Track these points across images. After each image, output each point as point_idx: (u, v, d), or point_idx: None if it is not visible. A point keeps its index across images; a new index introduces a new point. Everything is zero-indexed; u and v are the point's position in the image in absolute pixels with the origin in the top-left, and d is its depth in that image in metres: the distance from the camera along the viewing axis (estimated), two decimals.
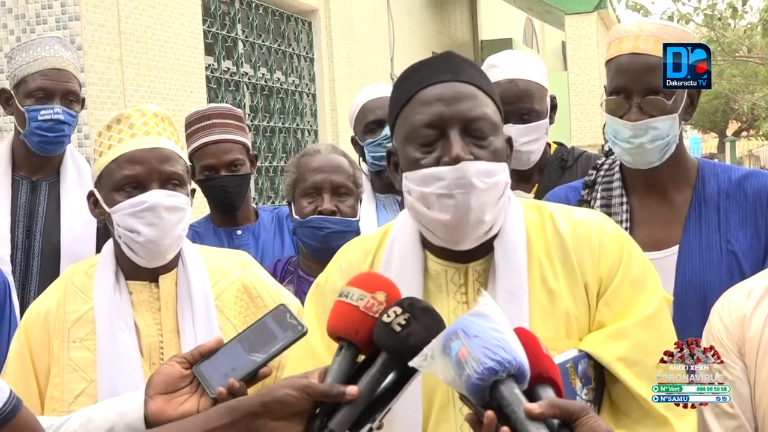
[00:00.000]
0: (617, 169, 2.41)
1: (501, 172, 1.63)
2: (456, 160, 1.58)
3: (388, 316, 1.40)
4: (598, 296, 1.66)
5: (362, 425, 1.38)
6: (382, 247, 1.77)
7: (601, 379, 1.63)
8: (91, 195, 2.08)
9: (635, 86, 2.22)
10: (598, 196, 2.39)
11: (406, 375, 1.40)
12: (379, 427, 1.40)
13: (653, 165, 2.28)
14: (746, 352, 1.83)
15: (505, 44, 12.69)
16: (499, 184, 1.63)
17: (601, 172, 2.45)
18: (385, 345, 1.39)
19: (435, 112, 1.61)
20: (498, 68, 2.95)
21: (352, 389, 1.37)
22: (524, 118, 2.88)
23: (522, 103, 2.87)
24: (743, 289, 1.91)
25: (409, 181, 1.64)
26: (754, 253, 2.22)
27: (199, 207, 2.32)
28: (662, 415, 1.57)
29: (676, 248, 2.26)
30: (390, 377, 1.40)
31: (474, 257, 1.69)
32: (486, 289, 1.65)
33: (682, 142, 2.36)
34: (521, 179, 2.95)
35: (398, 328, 1.38)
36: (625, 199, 2.35)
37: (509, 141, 1.72)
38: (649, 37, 2.23)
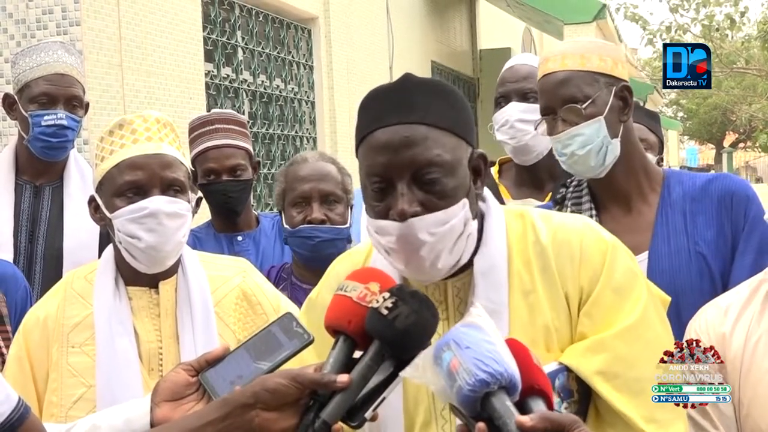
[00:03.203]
0: (585, 184, 2.46)
1: (456, 214, 1.58)
2: (401, 216, 1.55)
3: (377, 301, 1.40)
4: (579, 306, 1.63)
5: (356, 416, 1.38)
6: (369, 259, 1.77)
7: (586, 392, 1.60)
8: (92, 200, 2.08)
9: (553, 103, 2.35)
10: (569, 211, 2.43)
11: (399, 363, 1.39)
12: (373, 419, 1.39)
13: (598, 171, 2.33)
14: (728, 371, 1.81)
15: (504, 53, 12.69)
16: (454, 228, 1.59)
17: (570, 189, 2.50)
18: (374, 330, 1.39)
19: (381, 163, 1.57)
20: (510, 61, 3.13)
21: (343, 377, 1.37)
22: (526, 98, 2.95)
23: (525, 83, 2.95)
24: (719, 306, 1.90)
25: (369, 225, 1.64)
26: (721, 253, 2.27)
27: (199, 213, 2.32)
28: (641, 429, 1.55)
29: (645, 255, 2.29)
30: (384, 367, 1.40)
31: (453, 273, 1.67)
32: (465, 306, 1.64)
33: (639, 150, 2.42)
34: (534, 186, 3.01)
35: (385, 312, 1.38)
36: (594, 212, 2.39)
37: (482, 157, 1.67)
38: (556, 56, 2.36)
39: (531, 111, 2.88)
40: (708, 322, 1.88)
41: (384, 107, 1.60)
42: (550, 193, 2.99)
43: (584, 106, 2.29)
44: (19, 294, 2.46)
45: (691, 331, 1.90)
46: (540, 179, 3.00)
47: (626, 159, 2.35)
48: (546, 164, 2.98)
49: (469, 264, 1.66)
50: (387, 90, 1.64)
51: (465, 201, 1.60)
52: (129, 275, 2.05)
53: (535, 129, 2.46)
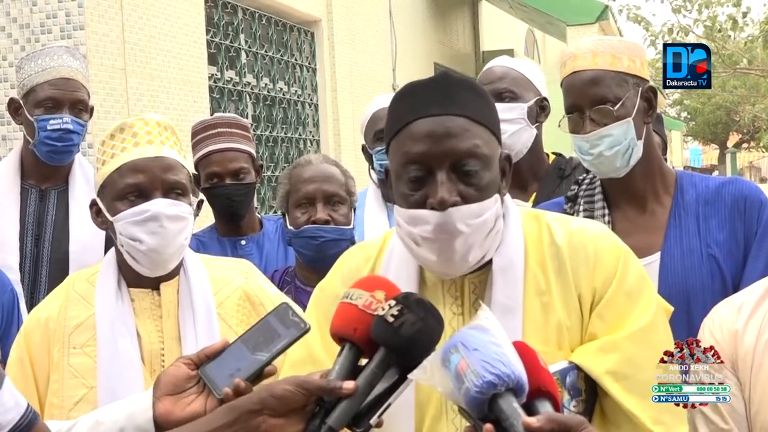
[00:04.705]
0: (598, 182, 2.47)
1: (490, 208, 1.62)
2: (441, 204, 1.56)
3: (383, 309, 1.41)
4: (591, 307, 1.65)
5: (361, 422, 1.39)
6: (383, 253, 1.78)
7: (592, 391, 1.62)
8: (93, 204, 2.09)
9: (582, 101, 2.34)
10: (581, 209, 2.44)
11: (405, 371, 1.40)
12: (378, 425, 1.40)
13: (621, 171, 2.35)
14: (739, 368, 1.83)
15: (506, 55, 12.68)
16: (487, 222, 1.61)
17: (583, 186, 2.51)
18: (380, 337, 1.40)
19: (422, 150, 1.58)
20: (488, 65, 3.14)
21: (348, 384, 1.38)
22: (501, 97, 2.93)
23: (499, 83, 2.96)
24: (733, 303, 1.92)
25: (399, 216, 1.65)
26: (733, 257, 2.29)
27: (202, 216, 2.34)
28: (650, 430, 1.57)
29: (657, 255, 2.31)
30: (389, 374, 1.41)
31: (472, 270, 1.69)
32: (481, 302, 1.65)
33: (657, 152, 2.43)
34: (519, 188, 2.98)
35: (391, 319, 1.39)
36: (606, 211, 2.40)
37: (508, 159, 1.70)
38: (586, 54, 2.35)
39: (506, 110, 2.89)
40: (722, 319, 1.90)
41: (424, 99, 1.62)
42: (535, 193, 3.00)
43: (616, 107, 2.29)
44: (6, 297, 2.47)
45: (705, 327, 1.92)
46: (523, 179, 2.99)
47: (646, 160, 2.36)
48: (528, 163, 2.98)
49: (488, 262, 1.68)
50: (425, 84, 1.66)
51: (497, 197, 1.64)
52: (131, 277, 2.07)
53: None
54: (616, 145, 2.30)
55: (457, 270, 1.65)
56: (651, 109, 2.36)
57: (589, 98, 2.32)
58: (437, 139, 1.58)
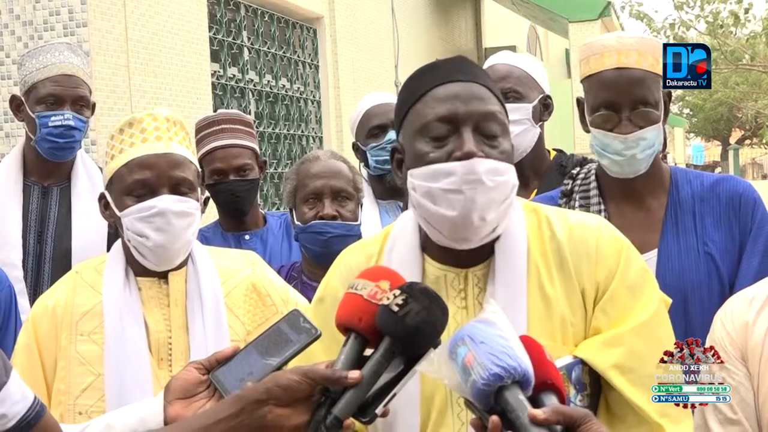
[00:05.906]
0: (593, 177, 2.45)
1: (509, 172, 1.64)
2: (468, 156, 1.58)
3: (388, 299, 1.41)
4: (595, 302, 1.65)
5: (367, 412, 1.39)
6: (383, 251, 1.77)
7: (597, 385, 1.63)
8: (102, 197, 2.10)
9: (624, 100, 2.26)
10: (577, 204, 2.42)
11: (410, 360, 1.40)
12: (384, 414, 1.40)
13: (640, 172, 2.33)
14: (749, 359, 1.85)
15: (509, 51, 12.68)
16: (507, 184, 1.63)
17: (578, 181, 2.49)
18: (385, 326, 1.40)
19: (450, 108, 1.62)
20: (490, 60, 3.09)
21: (354, 373, 1.38)
22: (506, 97, 2.86)
23: (504, 83, 2.91)
24: (745, 296, 1.93)
25: (415, 177, 1.64)
26: (729, 254, 2.28)
27: (207, 212, 2.35)
28: (656, 422, 1.57)
29: (654, 252, 2.30)
30: (394, 364, 1.41)
31: (474, 262, 1.68)
32: (485, 295, 1.65)
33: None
34: (520, 184, 2.97)
35: (395, 308, 1.39)
36: (602, 207, 2.38)
37: (511, 146, 1.71)
38: (631, 51, 2.29)
39: (511, 111, 2.85)
40: (733, 311, 1.90)
41: (448, 70, 1.69)
42: (535, 190, 2.98)
43: (659, 111, 2.27)
44: (3, 293, 2.47)
45: (717, 319, 1.92)
46: (525, 176, 2.97)
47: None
48: (530, 160, 2.97)
49: (490, 253, 1.67)
50: (444, 61, 1.73)
51: (513, 168, 1.66)
52: (138, 268, 2.07)
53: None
54: (648, 148, 2.27)
55: (473, 231, 1.62)
56: (665, 115, 2.34)
57: (632, 98, 2.26)
58: (464, 99, 1.63)
